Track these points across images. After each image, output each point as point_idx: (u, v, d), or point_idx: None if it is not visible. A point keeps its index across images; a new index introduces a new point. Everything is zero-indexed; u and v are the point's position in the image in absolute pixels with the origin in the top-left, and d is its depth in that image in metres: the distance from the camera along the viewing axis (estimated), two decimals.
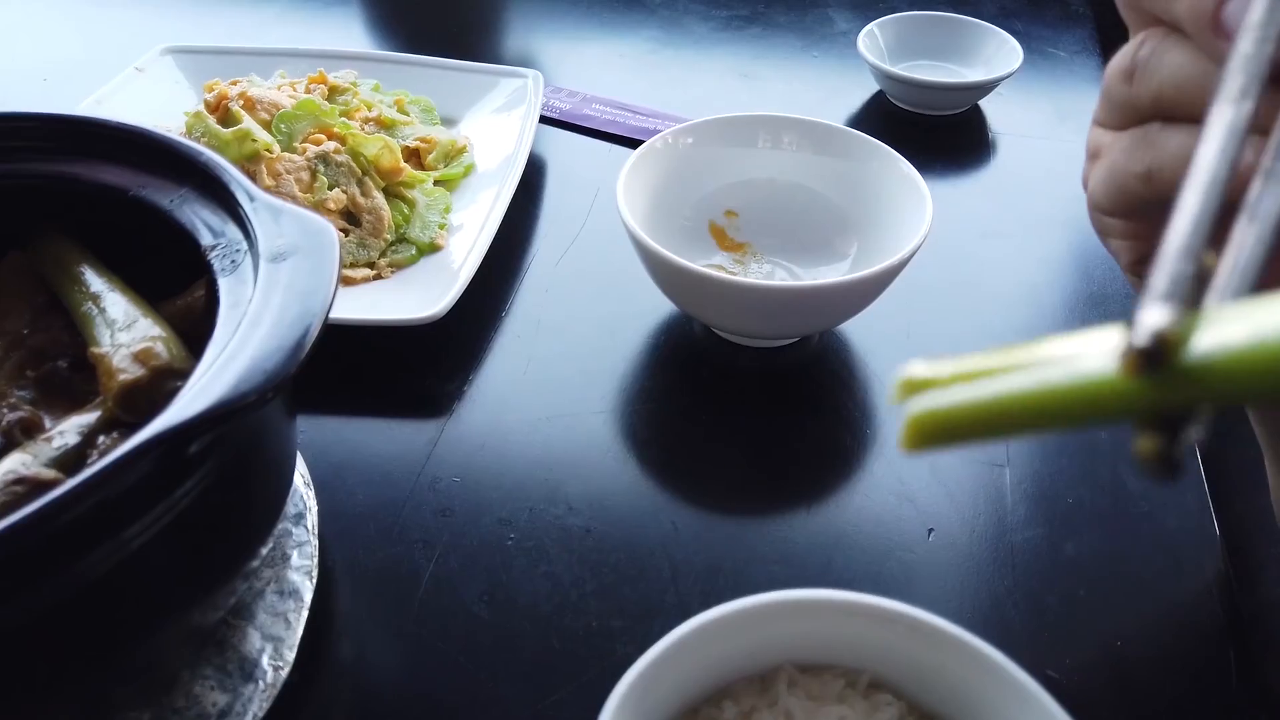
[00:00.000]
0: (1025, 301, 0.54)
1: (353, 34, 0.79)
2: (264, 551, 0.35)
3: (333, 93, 0.58)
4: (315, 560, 0.36)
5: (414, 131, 0.59)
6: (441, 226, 0.53)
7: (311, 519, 0.38)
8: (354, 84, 0.61)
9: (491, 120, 0.62)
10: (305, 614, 0.35)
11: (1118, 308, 0.53)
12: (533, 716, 0.34)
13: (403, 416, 0.46)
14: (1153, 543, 0.41)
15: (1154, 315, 0.14)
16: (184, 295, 0.37)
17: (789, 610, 0.29)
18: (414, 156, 0.58)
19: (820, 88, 0.72)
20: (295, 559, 0.36)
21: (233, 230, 0.34)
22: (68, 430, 0.32)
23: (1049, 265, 0.56)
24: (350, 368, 0.48)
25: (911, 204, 0.47)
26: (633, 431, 0.46)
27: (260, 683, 0.32)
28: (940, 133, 0.67)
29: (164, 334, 0.34)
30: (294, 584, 0.35)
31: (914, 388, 0.17)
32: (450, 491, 0.43)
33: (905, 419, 0.16)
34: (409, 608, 0.38)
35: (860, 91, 0.70)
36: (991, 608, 0.38)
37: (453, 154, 0.58)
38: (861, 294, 0.44)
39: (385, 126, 0.58)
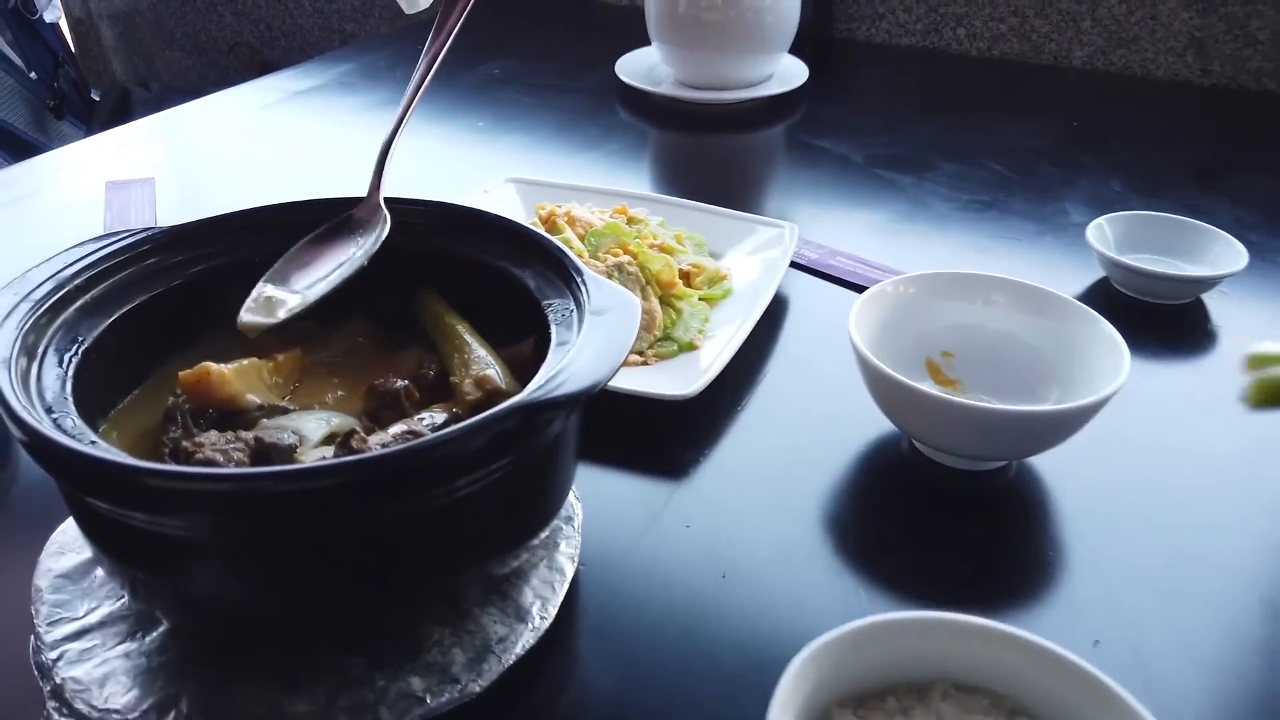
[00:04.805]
0: (1219, 487, 0.58)
1: (642, 183, 0.96)
2: (543, 535, 0.46)
3: (630, 221, 0.73)
4: (578, 551, 0.47)
5: (688, 258, 0.72)
6: (701, 332, 0.65)
7: (578, 521, 0.49)
8: (646, 219, 0.75)
9: (749, 258, 0.74)
10: (566, 585, 0.45)
11: None
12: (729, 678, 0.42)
13: (651, 474, 0.57)
14: None
15: None
16: (517, 344, 0.50)
17: (948, 628, 0.36)
18: (685, 277, 0.70)
19: (1048, 267, 0.80)
20: (563, 547, 0.47)
21: (562, 294, 0.46)
22: (433, 414, 0.45)
23: (1251, 451, 0.60)
24: (614, 431, 0.59)
25: (1110, 360, 0.53)
26: (834, 520, 0.54)
27: (530, 624, 0.43)
28: (1161, 319, 0.72)
29: (498, 367, 0.47)
30: (560, 563, 0.46)
31: (1259, 361, 0.26)
32: (675, 535, 0.52)
33: (1254, 381, 0.26)
34: (640, 600, 0.47)
35: (1085, 276, 0.77)
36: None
37: (715, 280, 0.71)
38: (1056, 426, 0.51)
39: (666, 252, 0.71)
